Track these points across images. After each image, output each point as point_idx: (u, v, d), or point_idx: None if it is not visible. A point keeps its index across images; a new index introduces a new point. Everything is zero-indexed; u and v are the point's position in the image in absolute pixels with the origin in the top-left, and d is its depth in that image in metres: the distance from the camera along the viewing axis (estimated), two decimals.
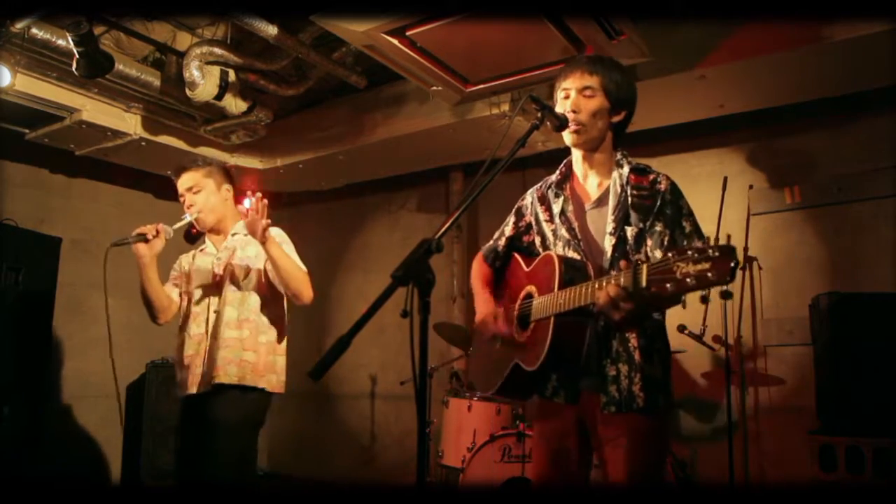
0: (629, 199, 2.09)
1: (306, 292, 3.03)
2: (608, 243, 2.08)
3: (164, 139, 5.01)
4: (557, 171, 2.34)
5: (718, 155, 4.69)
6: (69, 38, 3.53)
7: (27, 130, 4.92)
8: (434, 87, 3.97)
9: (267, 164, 5.55)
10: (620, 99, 2.16)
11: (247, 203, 6.46)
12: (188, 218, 3.06)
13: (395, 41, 3.47)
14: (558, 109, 2.16)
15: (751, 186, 4.54)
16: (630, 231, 2.07)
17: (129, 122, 4.80)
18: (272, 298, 3.12)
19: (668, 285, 1.64)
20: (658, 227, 2.05)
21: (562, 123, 2.14)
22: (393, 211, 6.27)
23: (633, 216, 2.07)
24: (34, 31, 3.62)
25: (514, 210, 2.46)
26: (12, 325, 4.48)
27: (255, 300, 3.06)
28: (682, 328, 3.92)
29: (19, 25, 3.49)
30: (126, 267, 5.89)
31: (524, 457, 3.76)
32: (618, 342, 2.04)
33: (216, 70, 4.15)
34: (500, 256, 2.46)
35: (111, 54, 3.84)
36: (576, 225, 2.18)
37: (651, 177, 2.12)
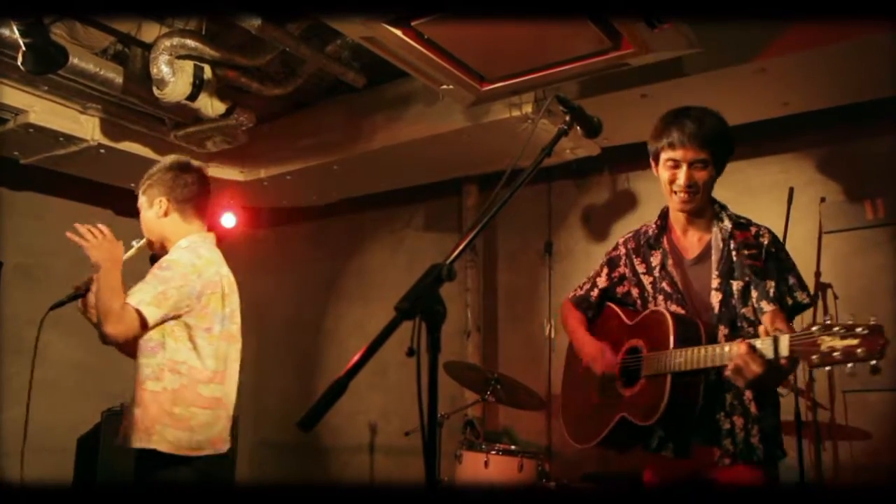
0: (732, 253, 2.42)
1: (107, 328, 2.77)
2: (714, 299, 2.42)
3: (127, 146, 5.06)
4: (654, 223, 2.67)
5: (782, 162, 4.68)
6: (14, 28, 3.55)
7: None
8: (444, 86, 3.99)
9: (249, 176, 5.59)
10: (724, 161, 2.50)
11: (225, 220, 6.50)
12: (135, 244, 3.11)
13: (399, 32, 3.50)
14: (662, 176, 2.53)
15: (823, 199, 4.51)
16: (735, 285, 2.40)
17: (85, 126, 4.85)
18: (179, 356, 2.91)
19: (813, 357, 1.99)
20: (764, 281, 2.37)
21: (594, 128, 2.16)
22: (396, 230, 6.28)
23: (738, 271, 2.40)
24: None
25: (605, 260, 2.79)
26: None
27: (151, 350, 2.91)
28: None
29: None
30: None
31: None
32: (731, 395, 2.35)
33: (189, 66, 4.18)
34: (593, 307, 2.79)
35: (64, 46, 3.88)
36: (677, 279, 2.52)
37: (753, 230, 2.45)
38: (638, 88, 4.05)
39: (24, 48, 3.63)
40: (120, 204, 6.26)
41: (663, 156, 2.52)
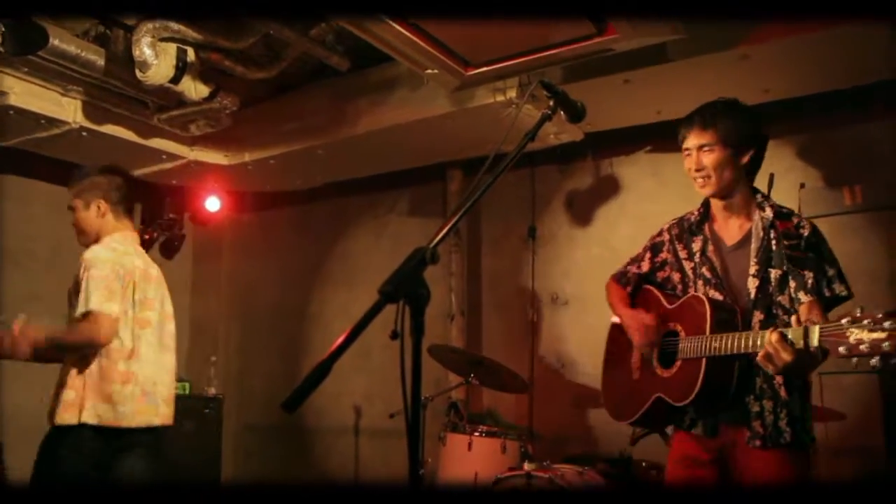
0: (772, 242, 2.53)
1: (99, 340, 3.17)
2: (751, 285, 2.54)
3: (110, 129, 5.03)
4: (696, 211, 2.80)
5: None
6: None
7: None
8: (429, 71, 3.98)
9: (232, 160, 5.57)
10: (741, 142, 2.60)
11: (209, 204, 6.46)
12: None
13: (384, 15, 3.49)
14: (686, 168, 2.68)
15: (802, 185, 4.55)
16: (773, 273, 2.52)
17: (66, 109, 4.81)
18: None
19: (840, 349, 2.05)
20: (802, 272, 2.47)
21: (578, 113, 2.16)
22: (380, 215, 6.28)
23: (777, 259, 2.51)
24: None
25: (649, 245, 2.92)
26: None
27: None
28: None
29: None
30: (66, 280, 5.87)
31: None
32: (762, 378, 2.47)
33: (172, 48, 4.15)
34: (630, 281, 2.94)
35: (44, 27, 3.84)
36: (717, 265, 2.65)
37: (795, 220, 2.55)
38: (621, 74, 4.06)
39: (2, 29, 3.61)
40: None
41: (683, 148, 2.71)
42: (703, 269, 2.67)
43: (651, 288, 2.87)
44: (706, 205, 2.77)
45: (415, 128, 4.79)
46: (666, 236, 2.88)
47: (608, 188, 5.33)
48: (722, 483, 2.54)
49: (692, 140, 2.66)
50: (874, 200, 4.39)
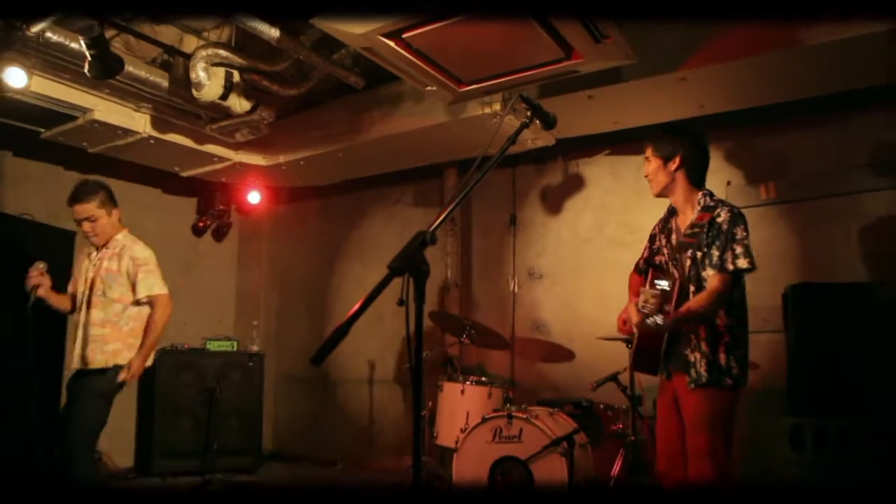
0: (699, 230, 2.70)
1: (168, 316, 3.75)
2: (686, 264, 2.75)
3: (172, 137, 5.00)
4: (666, 210, 2.97)
5: None
6: (81, 42, 3.53)
7: (43, 129, 4.91)
8: (429, 88, 3.96)
9: (270, 161, 5.54)
10: (667, 153, 2.80)
11: (251, 197, 6.48)
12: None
13: (392, 43, 3.46)
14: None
15: (728, 182, 4.56)
16: (698, 255, 2.69)
17: (138, 122, 4.79)
18: (136, 308, 3.70)
19: (640, 307, 2.68)
20: (712, 251, 2.64)
21: (550, 122, 2.15)
22: (390, 205, 6.27)
23: (699, 243, 2.68)
24: (48, 34, 3.61)
25: (649, 236, 3.06)
26: (31, 315, 4.47)
27: (118, 307, 3.63)
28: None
29: (35, 29, 3.48)
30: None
31: (514, 437, 3.78)
32: (694, 336, 2.66)
33: (221, 71, 4.14)
34: (642, 270, 3.07)
35: (121, 56, 3.84)
36: (675, 248, 2.83)
37: (715, 211, 2.69)
38: (586, 91, 4.04)
39: (89, 58, 3.60)
40: (167, 184, 6.23)
41: None
42: (670, 252, 2.86)
43: (651, 269, 2.98)
44: (671, 204, 2.92)
45: (417, 134, 4.76)
46: (656, 229, 3.02)
47: (575, 184, 5.32)
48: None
49: (645, 153, 2.88)
50: (784, 195, 4.41)
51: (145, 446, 5.57)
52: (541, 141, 4.87)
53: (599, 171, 5.22)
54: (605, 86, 3.95)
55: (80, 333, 3.60)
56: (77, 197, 3.61)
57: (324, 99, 5.14)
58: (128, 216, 5.93)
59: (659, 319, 2.53)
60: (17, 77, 3.80)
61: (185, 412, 5.44)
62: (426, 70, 3.74)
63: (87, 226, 3.66)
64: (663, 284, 2.74)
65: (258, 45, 4.13)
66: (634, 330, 2.79)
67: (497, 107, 4.30)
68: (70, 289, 3.83)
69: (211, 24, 4.18)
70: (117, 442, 5.67)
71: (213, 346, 5.74)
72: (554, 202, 5.41)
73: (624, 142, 4.94)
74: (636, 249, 4.80)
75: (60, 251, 4.79)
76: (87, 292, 3.64)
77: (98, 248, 3.73)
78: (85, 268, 3.73)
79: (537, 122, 2.15)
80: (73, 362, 3.61)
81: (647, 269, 3.03)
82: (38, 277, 3.57)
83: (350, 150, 5.13)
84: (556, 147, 5.04)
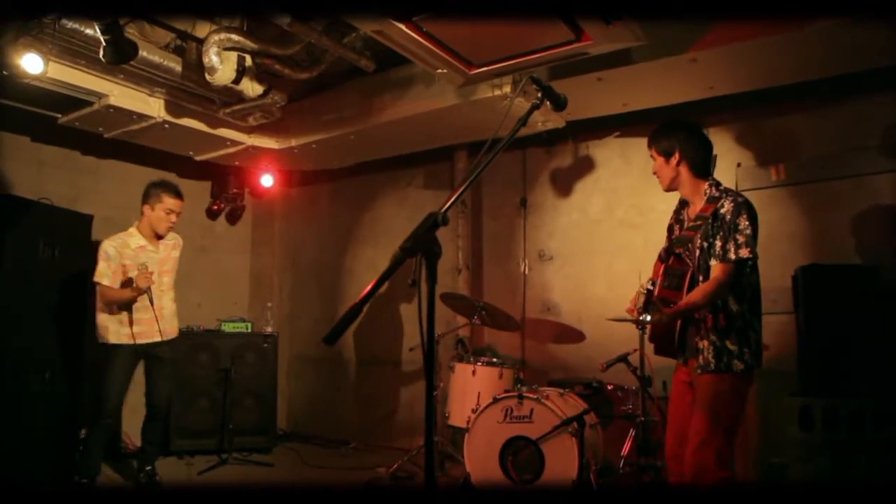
0: (707, 221, 2.74)
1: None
2: (696, 255, 2.78)
3: (186, 122, 5.02)
4: (678, 201, 3.03)
5: (708, 134, 4.65)
6: (96, 28, 3.53)
7: (59, 115, 4.93)
8: (439, 70, 3.94)
9: (282, 145, 5.55)
10: (667, 150, 2.88)
11: (264, 180, 6.52)
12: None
13: (403, 26, 3.44)
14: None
15: (738, 164, 4.53)
16: (705, 245, 2.73)
17: (153, 106, 4.80)
18: None
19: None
20: (716, 241, 2.69)
21: (561, 103, 2.14)
22: (401, 188, 6.27)
23: (704, 234, 2.73)
24: (64, 20, 3.63)
25: (668, 227, 3.10)
26: (51, 297, 4.54)
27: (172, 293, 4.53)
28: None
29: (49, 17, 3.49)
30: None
31: (525, 417, 3.81)
32: (703, 324, 2.71)
33: (233, 56, 4.14)
34: (663, 259, 3.01)
35: (135, 42, 3.84)
36: None
37: (720, 203, 2.72)
38: (595, 73, 4.01)
39: (104, 44, 3.60)
40: (181, 168, 6.25)
41: None
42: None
43: (672, 257, 2.99)
44: (681, 196, 2.98)
45: (428, 117, 4.75)
46: (672, 220, 3.07)
47: (585, 166, 5.30)
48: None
49: (650, 154, 2.96)
50: (794, 177, 4.37)
51: (164, 426, 5.64)
52: (551, 123, 4.85)
53: (609, 154, 5.19)
54: (615, 68, 3.92)
55: (151, 313, 4.17)
56: (181, 193, 4.39)
57: (335, 82, 5.14)
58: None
59: (648, 318, 2.66)
60: (34, 63, 3.83)
61: (202, 393, 5.50)
62: (437, 53, 3.72)
63: (174, 218, 4.34)
64: (649, 285, 2.81)
65: (270, 29, 4.13)
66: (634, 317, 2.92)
67: (507, 89, 4.28)
68: (124, 276, 4.23)
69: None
70: (137, 422, 5.75)
71: (227, 327, 5.79)
72: (564, 184, 5.39)
73: (634, 124, 4.91)
74: (645, 231, 4.85)
75: (79, 236, 4.83)
76: (160, 277, 4.33)
77: (150, 240, 4.34)
78: (147, 256, 4.27)
79: (548, 103, 2.13)
80: (145, 335, 4.24)
81: (667, 258, 3.05)
82: (149, 278, 4.13)
83: (361, 133, 5.13)
84: (566, 129, 5.01)
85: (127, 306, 4.19)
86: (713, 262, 2.68)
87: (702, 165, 2.86)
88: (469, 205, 5.69)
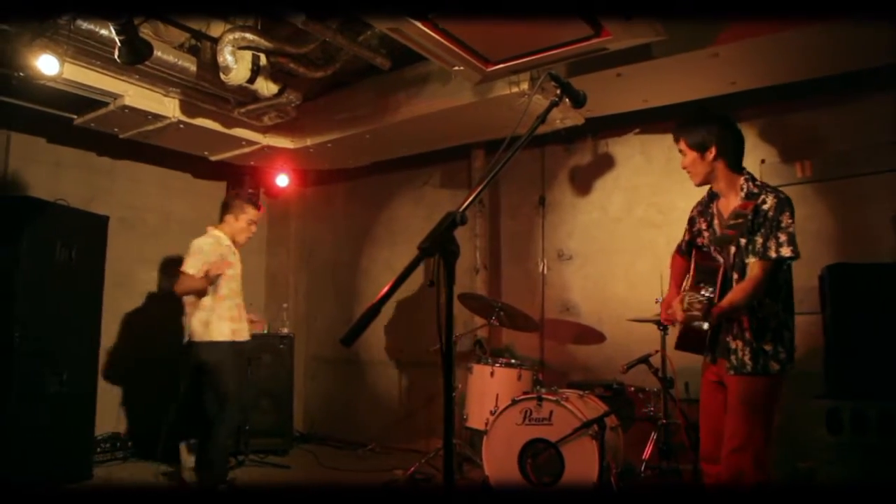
0: (743, 217, 2.67)
1: None
2: (730, 251, 2.72)
3: (201, 122, 5.05)
4: (706, 194, 2.94)
5: None
6: (111, 28, 3.57)
7: (75, 116, 4.99)
8: (456, 68, 3.94)
9: (297, 144, 5.57)
10: (702, 144, 2.76)
11: (280, 180, 6.58)
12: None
13: (419, 24, 3.44)
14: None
15: (763, 161, 4.48)
16: (743, 241, 2.65)
17: (167, 106, 4.84)
18: None
19: (683, 306, 2.56)
20: (756, 238, 2.62)
21: (580, 100, 2.12)
22: (417, 187, 6.27)
23: (744, 230, 2.64)
24: (79, 21, 3.66)
25: (688, 218, 3.04)
26: (67, 298, 4.59)
27: None
28: None
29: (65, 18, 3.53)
30: (170, 243, 5.99)
31: (544, 420, 3.79)
32: (737, 324, 2.65)
33: (248, 55, 4.15)
34: (684, 252, 3.07)
35: (150, 42, 3.87)
36: (718, 233, 2.81)
37: (761, 198, 2.65)
38: (615, 69, 3.98)
39: (119, 44, 3.64)
40: (196, 169, 6.30)
41: None
42: (712, 237, 2.84)
43: (695, 251, 2.95)
44: (711, 188, 2.89)
45: (444, 115, 4.75)
46: (694, 212, 2.99)
47: (604, 164, 5.27)
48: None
49: (678, 147, 2.86)
50: (821, 173, 4.31)
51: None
52: (570, 120, 4.82)
53: (629, 151, 5.16)
54: (635, 63, 3.89)
55: (237, 313, 4.33)
56: (259, 205, 4.51)
57: (350, 81, 5.15)
58: (159, 201, 6.09)
59: (704, 326, 2.56)
60: (49, 64, 3.87)
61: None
62: (453, 50, 3.72)
63: (254, 229, 4.51)
64: (708, 292, 2.64)
65: (284, 28, 4.14)
66: (678, 324, 2.77)
67: (525, 86, 4.26)
68: (211, 272, 4.27)
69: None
70: (156, 419, 5.80)
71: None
72: (583, 182, 5.36)
73: (654, 120, 4.87)
74: (667, 230, 4.80)
75: (95, 237, 4.89)
76: (240, 282, 4.46)
77: (234, 245, 4.46)
78: (234, 257, 4.42)
79: (567, 100, 2.11)
80: (235, 335, 4.28)
81: (689, 250, 3.01)
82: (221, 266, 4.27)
83: (377, 131, 5.13)
84: (585, 126, 4.98)
85: (200, 294, 4.23)
86: (752, 260, 2.62)
87: (738, 159, 2.80)
88: (487, 204, 5.67)
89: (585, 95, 2.13)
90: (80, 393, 4.65)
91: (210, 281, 4.20)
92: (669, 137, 4.87)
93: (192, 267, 4.18)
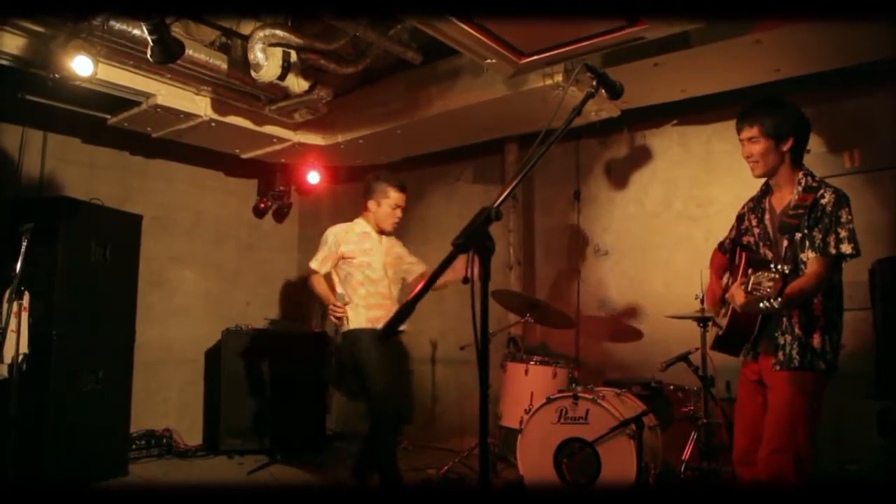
0: (800, 210, 2.62)
1: None
2: (782, 245, 2.69)
3: (232, 119, 5.11)
4: (760, 189, 2.89)
5: None
6: (143, 28, 3.63)
7: (109, 116, 5.10)
8: (488, 61, 3.92)
9: (328, 141, 5.61)
10: (781, 132, 2.67)
11: (311, 177, 6.61)
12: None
13: (451, 17, 3.44)
14: (742, 155, 2.78)
15: (808, 151, 4.33)
16: (798, 236, 2.62)
17: (199, 105, 4.91)
18: None
19: (754, 292, 2.36)
20: (815, 233, 2.57)
21: (617, 91, 2.11)
22: (450, 182, 6.27)
23: (801, 224, 2.61)
24: (112, 22, 3.74)
25: (737, 216, 3.01)
26: (103, 296, 4.70)
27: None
28: None
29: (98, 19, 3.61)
30: (202, 241, 6.09)
31: (580, 418, 3.77)
32: (786, 319, 2.62)
33: (279, 52, 4.19)
34: (727, 249, 3.04)
35: (181, 40, 3.92)
36: (769, 229, 2.78)
37: (820, 192, 2.61)
38: (651, 59, 3.94)
39: (151, 44, 3.70)
40: (228, 167, 6.40)
41: (739, 139, 2.80)
42: (762, 232, 2.80)
43: (739, 248, 2.92)
44: (767, 184, 2.84)
45: (477, 109, 4.74)
46: (745, 209, 2.96)
47: (641, 157, 5.21)
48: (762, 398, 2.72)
49: (744, 134, 2.74)
50: (870, 163, 4.21)
51: (213, 425, 5.79)
52: (605, 112, 4.78)
53: (667, 143, 5.09)
54: (672, 52, 3.84)
55: (387, 304, 4.07)
56: (405, 187, 4.23)
57: (381, 76, 5.17)
58: (191, 200, 6.19)
59: (776, 303, 2.33)
60: (84, 65, 3.96)
61: (250, 392, 5.62)
62: (486, 43, 3.70)
63: (399, 213, 4.25)
64: (779, 270, 2.50)
65: (315, 24, 4.17)
66: (738, 310, 2.64)
67: (559, 78, 4.23)
68: (343, 261, 4.14)
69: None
70: (187, 420, 5.93)
71: (276, 326, 5.90)
72: (619, 176, 5.31)
73: (693, 111, 4.80)
74: (706, 224, 4.74)
75: (129, 236, 5.00)
76: (385, 269, 4.18)
77: (379, 234, 4.25)
78: (371, 243, 4.19)
79: (603, 91, 2.09)
80: (372, 322, 3.99)
81: (732, 248, 2.96)
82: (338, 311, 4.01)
83: (408, 127, 5.15)
84: (621, 118, 4.93)
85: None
86: (811, 255, 2.57)
87: (802, 154, 2.76)
88: (520, 199, 5.65)
89: (622, 86, 2.12)
90: (115, 390, 4.76)
91: (329, 303, 4.02)
92: (709, 128, 4.86)
93: (315, 261, 4.13)
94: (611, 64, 4.01)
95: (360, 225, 4.24)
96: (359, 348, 3.93)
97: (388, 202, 4.17)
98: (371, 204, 4.21)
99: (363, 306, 4.04)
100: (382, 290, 4.10)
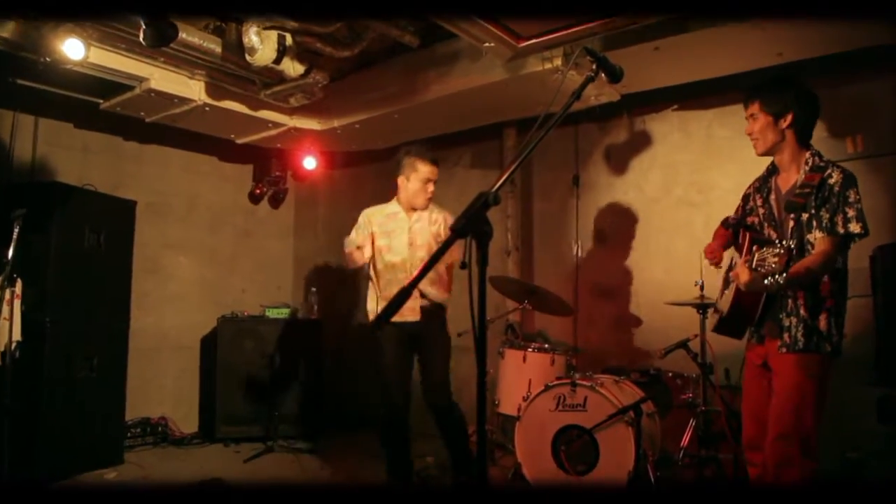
0: (807, 190, 2.62)
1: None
2: (788, 225, 2.69)
3: (227, 104, 5.08)
4: (765, 169, 2.91)
5: None
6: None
7: (101, 100, 5.06)
8: (486, 44, 3.91)
9: (325, 126, 5.59)
10: (778, 110, 2.70)
11: (307, 163, 6.57)
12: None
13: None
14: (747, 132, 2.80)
15: None
16: (804, 216, 2.62)
17: (193, 89, 4.88)
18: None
19: (758, 268, 2.35)
20: (822, 213, 2.57)
21: (617, 75, 2.09)
22: (448, 168, 6.22)
23: (807, 204, 2.60)
24: None
25: (742, 196, 3.03)
26: (97, 282, 4.70)
27: (441, 268, 3.93)
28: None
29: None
30: (197, 228, 6.07)
31: (578, 406, 3.78)
32: (791, 301, 2.63)
33: (274, 35, 4.16)
34: (731, 225, 3.04)
35: (175, 24, 3.89)
36: (774, 209, 2.79)
37: (827, 172, 2.60)
38: (651, 43, 3.90)
39: (143, 27, 3.67)
40: (223, 152, 6.37)
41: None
42: (767, 212, 2.81)
43: (742, 229, 2.92)
44: (773, 163, 2.86)
45: (475, 93, 4.71)
46: (750, 189, 2.97)
47: (641, 142, 5.20)
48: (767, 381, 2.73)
49: (747, 111, 2.78)
50: (873, 148, 4.20)
51: (209, 413, 5.80)
52: (604, 97, 4.76)
53: (667, 128, 5.08)
54: (672, 36, 3.81)
55: (395, 290, 3.82)
56: (436, 160, 4.04)
57: (378, 60, 5.13)
58: (185, 185, 6.17)
59: (780, 279, 2.28)
60: (75, 48, 3.93)
61: (247, 380, 5.62)
62: (484, 26, 3.68)
63: (431, 187, 3.99)
64: (783, 243, 2.45)
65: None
66: (743, 289, 2.60)
67: (558, 62, 4.20)
68: (364, 245, 4.02)
69: None
70: (182, 408, 5.94)
71: (272, 313, 5.90)
72: (619, 161, 5.30)
73: (693, 96, 4.77)
74: (706, 209, 4.73)
75: (123, 222, 4.98)
76: (414, 251, 3.93)
77: (407, 210, 4.03)
78: (396, 224, 4.02)
79: (603, 75, 2.08)
80: (399, 314, 3.80)
81: (737, 227, 2.97)
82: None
83: (406, 111, 5.12)
84: (621, 103, 4.91)
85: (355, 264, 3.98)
86: (819, 235, 2.57)
87: (809, 134, 2.76)
88: (518, 184, 5.64)
89: (622, 70, 2.11)
90: (109, 378, 4.76)
91: (354, 247, 3.91)
92: (710, 113, 4.84)
93: (349, 243, 3.95)
94: (610, 48, 3.98)
95: (391, 206, 4.12)
96: (379, 345, 3.88)
97: (418, 176, 3.99)
98: (401, 180, 4.07)
99: (382, 298, 3.97)
100: (402, 277, 3.91)
